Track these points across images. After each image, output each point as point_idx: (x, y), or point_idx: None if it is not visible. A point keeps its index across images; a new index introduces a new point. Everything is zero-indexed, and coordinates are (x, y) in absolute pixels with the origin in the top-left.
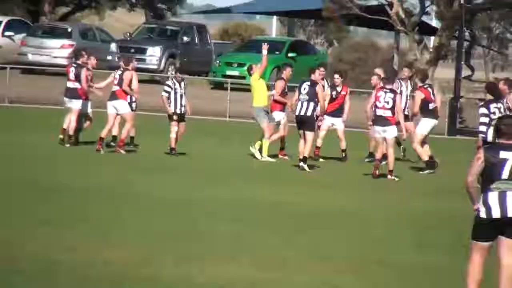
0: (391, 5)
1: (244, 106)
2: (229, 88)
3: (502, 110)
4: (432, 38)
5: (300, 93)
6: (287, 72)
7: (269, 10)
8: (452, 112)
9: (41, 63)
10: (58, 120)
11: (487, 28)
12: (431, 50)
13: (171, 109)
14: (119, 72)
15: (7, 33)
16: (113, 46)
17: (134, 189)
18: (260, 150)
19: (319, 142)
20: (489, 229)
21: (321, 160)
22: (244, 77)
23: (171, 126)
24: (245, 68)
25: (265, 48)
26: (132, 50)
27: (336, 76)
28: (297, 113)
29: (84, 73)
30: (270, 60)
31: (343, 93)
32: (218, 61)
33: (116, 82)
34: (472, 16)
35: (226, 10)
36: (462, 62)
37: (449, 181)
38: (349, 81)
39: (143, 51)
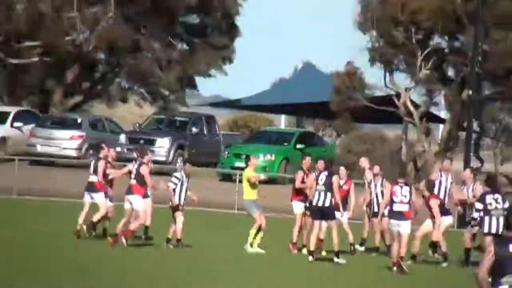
0: (398, 95)
1: None
2: (237, 180)
3: (499, 201)
4: (441, 129)
5: (317, 183)
6: (306, 162)
7: (277, 103)
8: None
9: (50, 154)
10: (70, 213)
11: (495, 119)
12: (439, 141)
13: (176, 201)
14: (135, 165)
15: (16, 124)
16: (122, 137)
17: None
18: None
19: (322, 234)
20: None
21: (323, 253)
22: None
23: (177, 217)
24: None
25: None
26: (141, 141)
27: (342, 168)
28: (315, 203)
29: (101, 166)
30: (278, 151)
31: (345, 187)
32: (226, 152)
33: (133, 176)
34: (481, 107)
35: (235, 102)
36: (471, 154)
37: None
38: (357, 173)
39: (152, 142)
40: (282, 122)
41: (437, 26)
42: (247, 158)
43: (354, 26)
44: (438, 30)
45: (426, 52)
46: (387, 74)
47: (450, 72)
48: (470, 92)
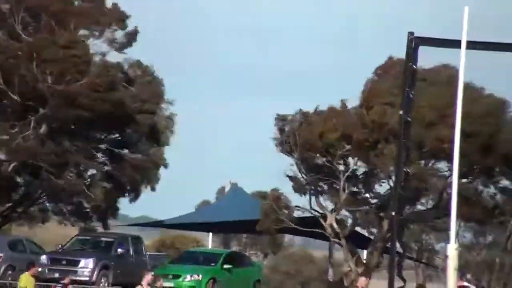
0: (324, 217)
1: None
2: None
3: None
4: (366, 249)
5: None
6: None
7: (205, 221)
8: None
9: None
10: None
11: (418, 240)
12: (364, 261)
13: None
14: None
15: None
16: (44, 258)
17: None
18: None
19: None
20: None
21: None
22: None
23: None
24: (180, 279)
25: None
26: (64, 262)
27: None
28: None
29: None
30: (205, 271)
31: None
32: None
33: None
34: (403, 228)
35: (159, 223)
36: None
37: None
38: None
39: (75, 263)
40: (209, 242)
41: (354, 152)
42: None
43: (277, 149)
44: (355, 156)
45: (347, 174)
46: (312, 197)
47: (373, 194)
48: (393, 213)
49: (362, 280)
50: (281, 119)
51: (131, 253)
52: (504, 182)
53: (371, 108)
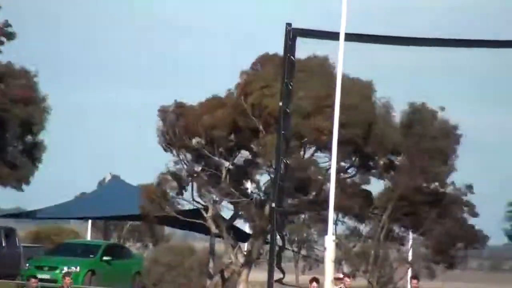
0: (206, 209)
1: None
2: None
3: None
4: (247, 241)
5: None
6: None
7: (82, 216)
8: None
9: None
10: None
11: (297, 232)
12: (245, 253)
13: None
14: None
15: None
16: None
17: None
18: None
19: None
20: None
21: None
22: (56, 281)
23: None
24: (57, 271)
25: None
26: None
27: None
28: None
29: None
30: (84, 263)
31: None
32: (27, 265)
33: None
34: (283, 220)
35: (37, 213)
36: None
37: None
38: (167, 285)
39: None
40: (88, 233)
41: (233, 140)
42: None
43: (160, 142)
44: (235, 145)
45: (229, 165)
46: (195, 188)
47: (254, 186)
48: (273, 205)
49: (347, 282)
50: (164, 111)
51: (3, 245)
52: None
53: (250, 94)
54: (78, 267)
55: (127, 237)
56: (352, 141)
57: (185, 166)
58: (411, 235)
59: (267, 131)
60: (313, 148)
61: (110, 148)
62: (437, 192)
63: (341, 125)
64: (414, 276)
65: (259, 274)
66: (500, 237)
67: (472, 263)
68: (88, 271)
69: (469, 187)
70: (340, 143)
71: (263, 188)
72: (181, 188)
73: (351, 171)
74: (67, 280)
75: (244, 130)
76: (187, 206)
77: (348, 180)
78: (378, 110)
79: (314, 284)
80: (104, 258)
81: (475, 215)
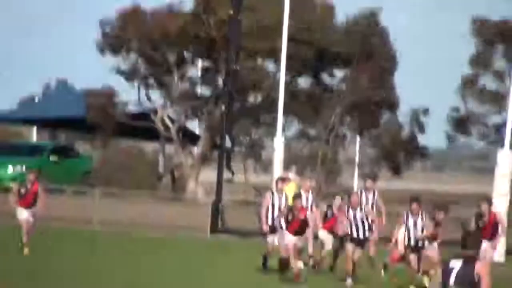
0: (155, 112)
1: None
2: None
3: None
4: (197, 142)
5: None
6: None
7: (28, 118)
8: (215, 213)
9: None
10: None
11: (247, 133)
12: (195, 154)
13: None
14: None
15: None
16: None
17: None
18: None
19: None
20: None
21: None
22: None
23: None
24: (2, 171)
25: None
26: None
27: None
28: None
29: None
30: (30, 163)
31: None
32: None
33: None
34: (232, 123)
35: None
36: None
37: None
38: (116, 185)
39: None
40: (34, 135)
41: (190, 47)
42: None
43: (108, 45)
44: (191, 51)
45: (181, 70)
46: (144, 91)
47: (205, 89)
48: (223, 108)
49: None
50: (117, 15)
51: None
52: (327, 79)
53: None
54: (24, 167)
55: (75, 139)
56: (300, 52)
57: (136, 70)
58: (358, 138)
59: (220, 40)
60: (263, 54)
61: (56, 52)
62: (385, 98)
63: (293, 40)
64: (369, 176)
65: (209, 174)
66: (444, 139)
67: (417, 163)
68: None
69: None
70: (289, 54)
71: (213, 91)
72: (129, 93)
73: (300, 79)
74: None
75: (198, 38)
76: (136, 110)
77: (296, 83)
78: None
79: (280, 183)
80: (51, 158)
81: (422, 130)
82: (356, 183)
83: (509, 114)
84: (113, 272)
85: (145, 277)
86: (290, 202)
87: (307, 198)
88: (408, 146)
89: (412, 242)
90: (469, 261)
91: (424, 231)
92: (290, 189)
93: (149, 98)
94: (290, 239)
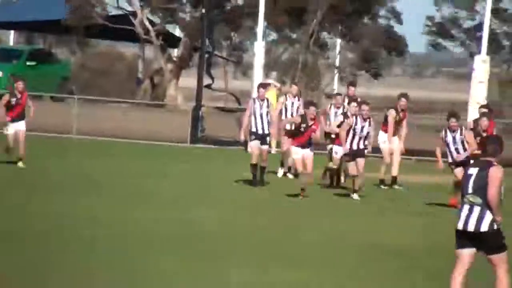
0: (134, 14)
1: None
2: None
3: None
4: (177, 47)
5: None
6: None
7: (5, 22)
8: (195, 120)
9: None
10: None
11: (227, 38)
12: (175, 59)
13: None
14: None
15: None
16: None
17: None
18: None
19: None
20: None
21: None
22: None
23: None
24: None
25: None
26: None
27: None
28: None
29: None
30: (6, 68)
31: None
32: None
33: None
34: (213, 26)
35: None
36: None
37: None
38: (95, 91)
39: None
40: (11, 39)
41: None
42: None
43: None
44: None
45: None
46: None
47: None
48: (203, 11)
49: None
50: None
51: None
52: None
53: None
54: (1, 72)
55: (53, 43)
56: None
57: None
58: (339, 41)
59: None
60: None
61: None
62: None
63: None
64: (351, 83)
65: (188, 80)
66: (423, 45)
67: (396, 69)
68: (11, 75)
69: None
70: None
71: None
72: None
73: None
74: None
75: None
76: (114, 12)
77: None
78: None
79: (261, 89)
80: (28, 63)
81: (400, 22)
82: (336, 88)
83: (486, 19)
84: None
85: (145, 183)
86: (272, 109)
87: (292, 104)
88: (387, 41)
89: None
90: (484, 166)
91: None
92: (271, 96)
93: (128, 1)
94: (300, 152)
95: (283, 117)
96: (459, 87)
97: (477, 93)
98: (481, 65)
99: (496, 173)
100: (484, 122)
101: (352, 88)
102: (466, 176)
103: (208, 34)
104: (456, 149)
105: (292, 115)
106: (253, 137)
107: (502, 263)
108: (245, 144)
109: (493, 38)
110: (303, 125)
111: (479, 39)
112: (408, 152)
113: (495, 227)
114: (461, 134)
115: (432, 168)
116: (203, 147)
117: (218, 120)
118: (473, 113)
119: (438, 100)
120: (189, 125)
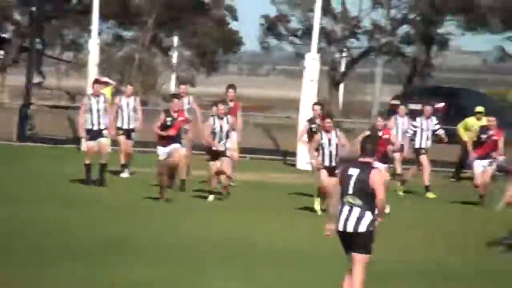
0: None
1: None
2: None
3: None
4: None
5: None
6: None
7: None
8: (23, 118)
9: None
10: None
11: (60, 35)
12: (1, 56)
13: None
14: None
15: None
16: None
17: None
18: None
19: None
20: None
21: None
22: None
23: None
24: None
25: None
26: None
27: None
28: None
29: None
30: None
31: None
32: None
33: None
34: (42, 22)
35: None
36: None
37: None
38: None
39: None
40: None
41: None
42: None
43: None
44: None
45: None
46: None
47: None
48: (33, 8)
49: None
50: None
51: None
52: None
53: None
54: None
55: None
56: None
57: None
58: (176, 39)
59: None
60: None
61: None
62: None
63: None
64: (184, 82)
65: (16, 78)
66: (258, 44)
67: (233, 68)
68: None
69: None
70: None
71: None
72: None
73: None
74: None
75: None
76: None
77: None
78: None
79: (96, 85)
80: None
81: (235, 18)
82: (173, 87)
83: (316, 17)
84: None
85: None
86: (109, 104)
87: (127, 104)
88: (222, 38)
89: None
90: (364, 168)
91: None
92: (107, 93)
93: None
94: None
95: (119, 117)
96: (295, 85)
97: (308, 91)
98: (312, 63)
99: (378, 177)
100: (380, 122)
101: (231, 91)
102: (347, 177)
103: (39, 32)
104: (330, 152)
105: (128, 115)
106: (89, 135)
107: (362, 262)
108: (78, 141)
109: (324, 36)
110: (168, 119)
111: (310, 37)
112: (242, 151)
113: (371, 229)
114: (336, 136)
115: (265, 166)
116: (31, 146)
117: (50, 118)
118: (305, 111)
119: (272, 97)
120: (16, 123)
